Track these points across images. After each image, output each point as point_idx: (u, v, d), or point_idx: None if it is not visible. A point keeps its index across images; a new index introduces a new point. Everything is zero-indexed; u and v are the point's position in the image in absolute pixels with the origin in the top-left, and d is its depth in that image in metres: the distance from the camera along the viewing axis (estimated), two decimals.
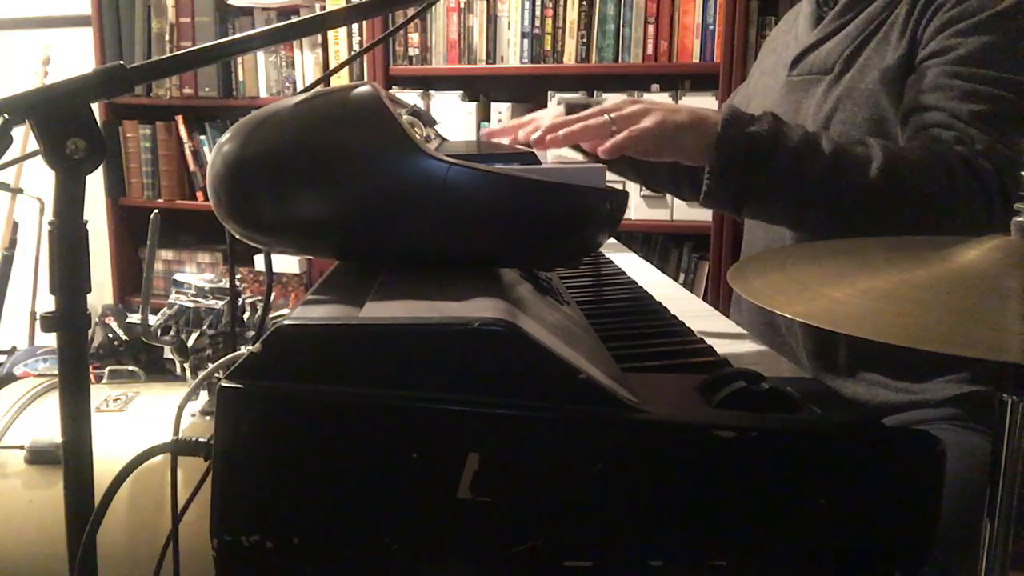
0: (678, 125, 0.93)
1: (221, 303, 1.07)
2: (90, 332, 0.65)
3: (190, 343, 1.00)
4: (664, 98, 2.39)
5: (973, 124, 0.97)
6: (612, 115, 0.93)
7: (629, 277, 1.27)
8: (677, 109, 0.95)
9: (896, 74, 1.07)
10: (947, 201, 0.93)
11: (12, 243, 2.69)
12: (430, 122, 1.00)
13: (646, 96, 2.40)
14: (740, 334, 1.05)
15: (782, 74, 1.24)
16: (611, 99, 0.98)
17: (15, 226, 2.72)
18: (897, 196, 0.93)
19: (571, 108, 1.36)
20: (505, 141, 1.14)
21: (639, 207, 2.47)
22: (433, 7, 2.54)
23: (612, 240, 1.65)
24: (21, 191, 2.65)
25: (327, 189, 0.65)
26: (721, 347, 0.89)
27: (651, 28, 2.42)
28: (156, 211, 0.89)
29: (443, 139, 1.07)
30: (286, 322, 0.57)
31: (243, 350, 0.59)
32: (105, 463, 0.66)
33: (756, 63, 1.45)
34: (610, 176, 0.89)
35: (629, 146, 0.91)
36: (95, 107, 0.63)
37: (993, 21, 1.01)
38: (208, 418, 0.89)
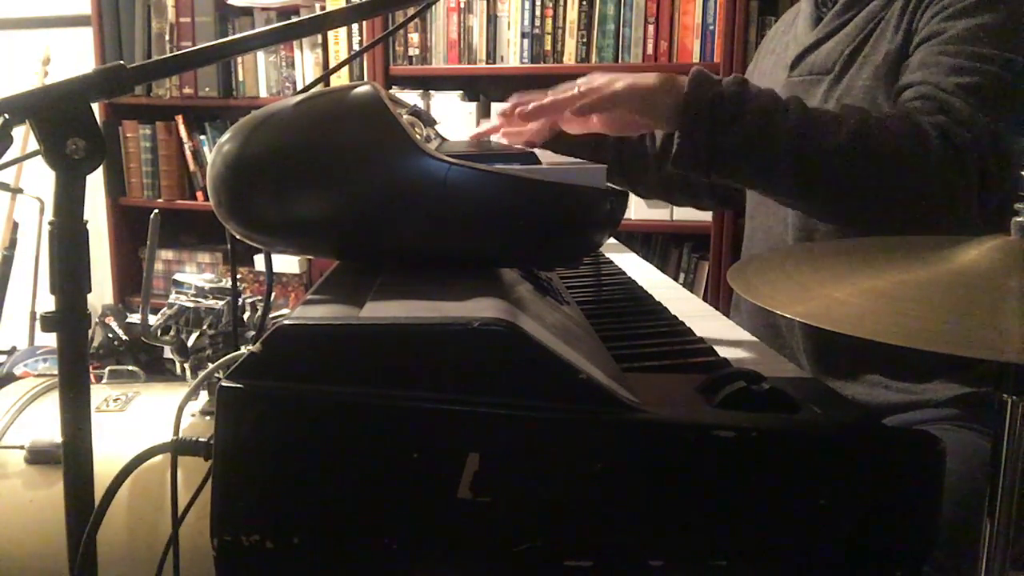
0: (648, 87, 0.93)
1: (221, 303, 1.07)
2: (90, 332, 0.64)
3: (190, 343, 1.00)
4: None
5: (956, 95, 0.96)
6: (582, 87, 0.93)
7: (629, 277, 1.27)
8: (645, 75, 0.95)
9: (891, 67, 1.07)
10: (919, 166, 0.92)
11: (12, 243, 2.69)
12: (430, 122, 1.00)
13: None
14: (740, 334, 1.05)
15: (782, 75, 1.24)
16: (584, 78, 0.98)
17: (15, 226, 2.72)
18: (867, 157, 0.91)
19: None
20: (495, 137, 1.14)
21: (639, 207, 2.47)
22: (433, 7, 2.54)
23: (612, 240, 1.65)
24: (21, 191, 2.65)
25: (327, 189, 0.65)
26: (721, 347, 0.89)
27: (651, 28, 2.42)
28: (156, 211, 0.89)
29: (443, 139, 1.07)
30: (286, 322, 0.57)
31: (243, 350, 0.59)
32: (105, 463, 0.66)
33: (753, 62, 1.44)
34: (609, 180, 0.90)
35: (596, 108, 0.90)
36: (95, 107, 0.63)
37: (983, 5, 1.01)
38: (208, 418, 0.89)
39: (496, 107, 2.58)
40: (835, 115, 0.93)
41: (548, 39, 2.52)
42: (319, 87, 0.74)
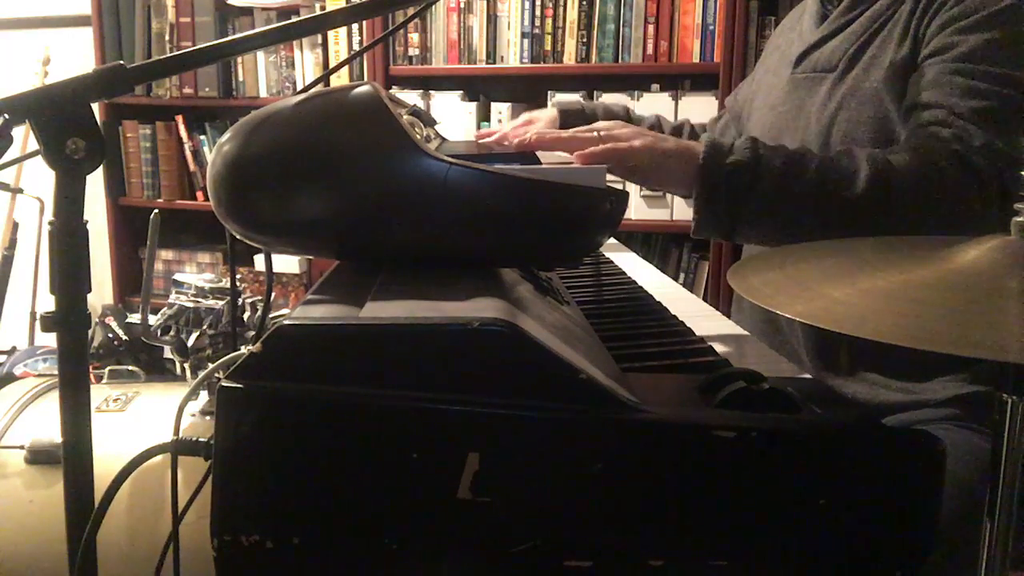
0: (665, 151, 0.93)
1: (221, 303, 1.07)
2: (90, 332, 0.64)
3: (190, 343, 1.00)
4: (664, 98, 2.39)
5: (972, 120, 0.96)
6: (602, 133, 0.93)
7: (629, 277, 1.27)
8: (665, 138, 0.96)
9: (899, 72, 1.07)
10: (940, 202, 0.92)
11: (12, 243, 2.69)
12: (430, 122, 1.00)
13: (646, 96, 2.40)
14: (741, 334, 1.05)
15: (786, 71, 1.24)
16: (606, 123, 0.98)
17: (15, 226, 2.72)
18: (887, 205, 0.92)
19: (565, 112, 1.36)
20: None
21: (639, 207, 2.47)
22: (433, 7, 2.54)
23: (612, 240, 1.65)
24: (21, 191, 2.65)
25: (327, 189, 0.65)
26: (721, 347, 0.89)
27: (651, 28, 2.42)
28: (156, 211, 0.89)
29: (443, 139, 1.07)
30: (286, 322, 0.57)
31: (243, 350, 0.59)
32: (105, 463, 0.66)
33: (761, 59, 1.44)
34: (610, 176, 0.89)
35: (611, 158, 0.90)
36: (95, 107, 0.63)
37: (994, 18, 1.01)
38: (208, 418, 0.89)
39: (496, 108, 2.59)
40: (851, 163, 0.93)
41: (548, 39, 2.52)
42: (319, 87, 0.74)
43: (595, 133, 0.93)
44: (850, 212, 0.92)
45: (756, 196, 0.91)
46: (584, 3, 2.47)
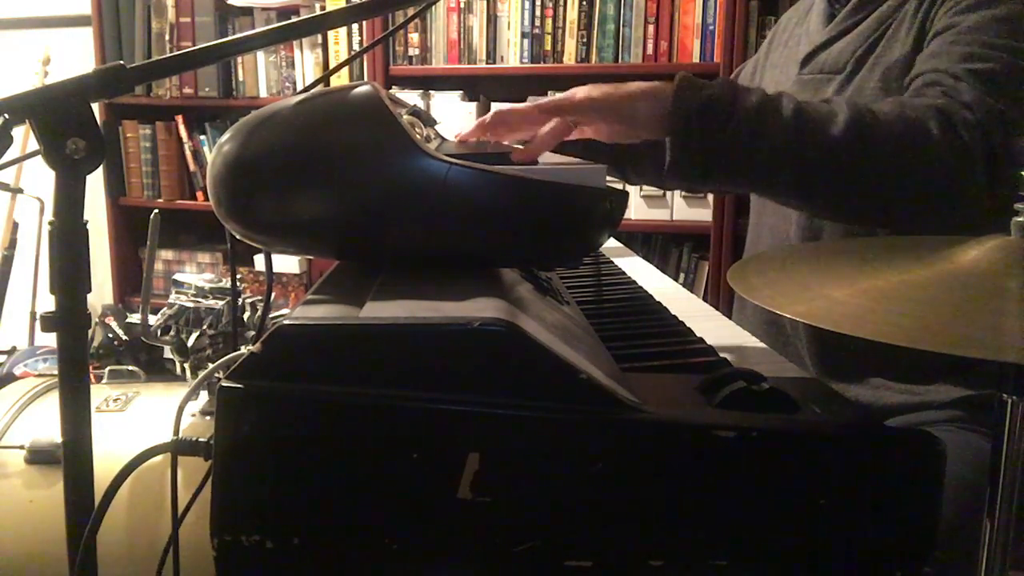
0: (629, 94, 0.90)
1: (221, 303, 1.07)
2: (90, 332, 0.64)
3: (190, 343, 1.00)
4: None
5: (964, 79, 0.94)
6: (559, 95, 0.90)
7: (629, 277, 1.27)
8: (628, 84, 0.92)
9: (903, 70, 1.06)
10: (919, 152, 0.89)
11: (12, 243, 2.69)
12: (430, 122, 1.00)
13: None
14: (740, 335, 1.05)
15: (793, 70, 1.23)
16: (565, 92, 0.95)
17: (15, 226, 2.72)
18: (865, 150, 0.88)
19: None
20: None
21: (639, 207, 2.47)
22: (433, 7, 2.55)
23: (615, 244, 1.65)
24: (21, 191, 2.65)
25: (327, 189, 0.65)
26: (721, 348, 0.89)
27: (651, 28, 2.42)
28: (156, 211, 0.89)
29: (443, 139, 1.07)
30: (286, 322, 0.57)
31: (243, 350, 0.59)
32: (105, 463, 0.66)
33: (766, 48, 1.40)
34: (609, 176, 0.88)
35: (564, 111, 0.87)
36: (95, 107, 0.63)
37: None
38: (208, 418, 0.89)
39: (496, 107, 2.59)
40: (828, 108, 0.90)
41: (548, 39, 2.52)
42: (319, 87, 0.74)
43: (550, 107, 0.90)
44: (827, 155, 0.88)
45: (730, 132, 0.87)
46: (584, 3, 2.47)
